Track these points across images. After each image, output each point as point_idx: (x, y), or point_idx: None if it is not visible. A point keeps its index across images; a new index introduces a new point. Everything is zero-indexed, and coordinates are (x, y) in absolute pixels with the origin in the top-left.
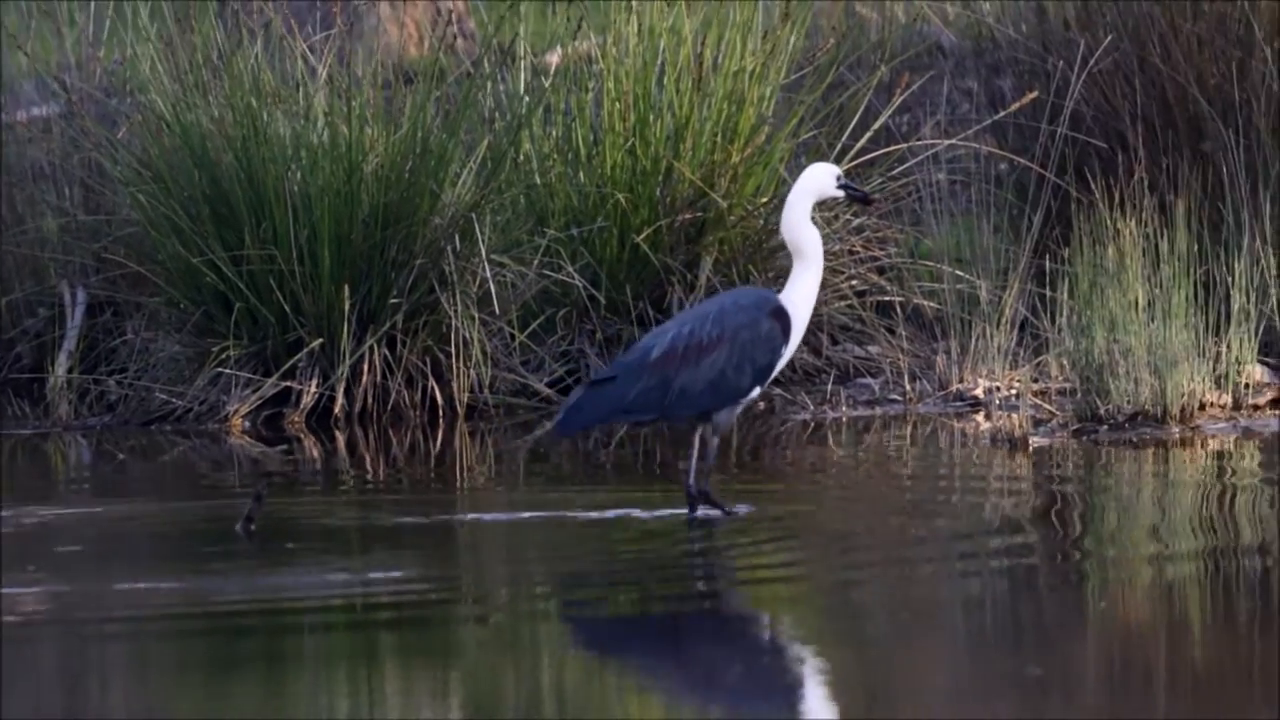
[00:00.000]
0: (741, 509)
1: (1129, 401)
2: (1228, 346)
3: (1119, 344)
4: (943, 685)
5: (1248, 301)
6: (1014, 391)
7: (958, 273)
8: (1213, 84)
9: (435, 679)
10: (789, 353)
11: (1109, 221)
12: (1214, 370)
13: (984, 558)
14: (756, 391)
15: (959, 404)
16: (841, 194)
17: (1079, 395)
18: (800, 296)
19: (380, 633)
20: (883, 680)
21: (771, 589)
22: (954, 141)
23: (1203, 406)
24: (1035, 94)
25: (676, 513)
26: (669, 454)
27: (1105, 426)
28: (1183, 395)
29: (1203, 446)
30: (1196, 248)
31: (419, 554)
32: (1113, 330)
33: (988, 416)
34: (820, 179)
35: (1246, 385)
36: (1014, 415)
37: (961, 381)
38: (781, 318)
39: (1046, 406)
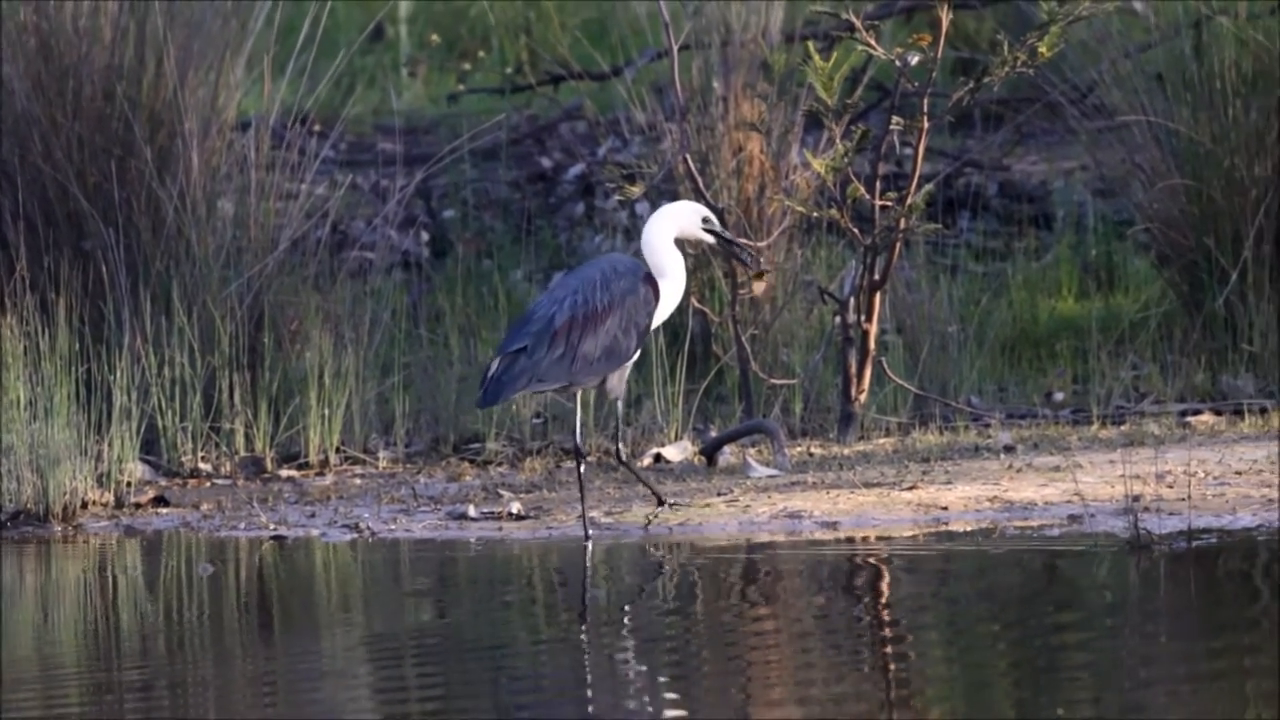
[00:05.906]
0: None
1: (11, 500)
2: (110, 444)
3: (0, 442)
4: None
5: (130, 400)
6: None
7: None
8: (93, 182)
9: None
10: (659, 320)
11: None
12: (96, 469)
13: None
14: (637, 354)
15: None
16: (710, 239)
17: None
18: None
19: None
20: None
21: None
22: None
23: (85, 505)
24: None
25: None
26: None
27: None
28: (65, 494)
29: (85, 544)
30: (79, 346)
31: None
32: None
33: None
34: (682, 216)
35: (129, 483)
36: None
37: None
38: (651, 283)
39: None
